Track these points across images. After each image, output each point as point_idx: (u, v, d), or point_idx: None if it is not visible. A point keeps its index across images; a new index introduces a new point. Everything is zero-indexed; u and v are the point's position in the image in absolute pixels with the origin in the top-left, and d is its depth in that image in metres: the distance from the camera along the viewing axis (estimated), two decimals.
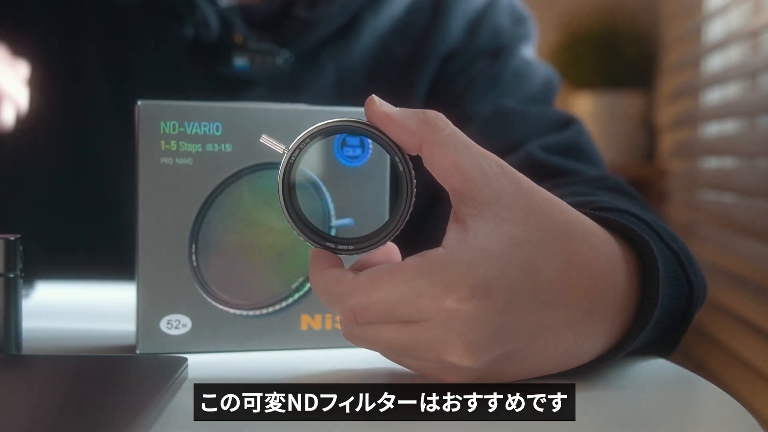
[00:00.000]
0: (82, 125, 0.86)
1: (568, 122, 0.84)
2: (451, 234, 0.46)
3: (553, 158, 0.77)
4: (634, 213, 0.57)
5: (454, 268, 0.45)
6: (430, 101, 0.88)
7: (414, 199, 0.49)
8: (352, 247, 0.49)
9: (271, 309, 0.58)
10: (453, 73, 0.88)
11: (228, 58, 0.82)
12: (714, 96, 1.81)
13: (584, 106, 2.27)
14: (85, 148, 0.86)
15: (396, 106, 0.47)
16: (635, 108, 2.24)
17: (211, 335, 0.57)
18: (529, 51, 0.93)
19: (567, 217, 0.49)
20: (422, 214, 0.74)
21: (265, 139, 0.50)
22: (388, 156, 0.59)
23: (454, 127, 0.48)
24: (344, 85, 0.86)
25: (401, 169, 0.49)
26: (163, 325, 0.56)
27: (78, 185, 0.86)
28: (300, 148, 0.49)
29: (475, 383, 0.47)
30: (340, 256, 0.49)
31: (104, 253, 0.84)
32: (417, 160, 0.49)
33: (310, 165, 0.56)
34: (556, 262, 0.47)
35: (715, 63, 1.81)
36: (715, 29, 1.80)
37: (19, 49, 0.80)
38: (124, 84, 0.84)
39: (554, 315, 0.47)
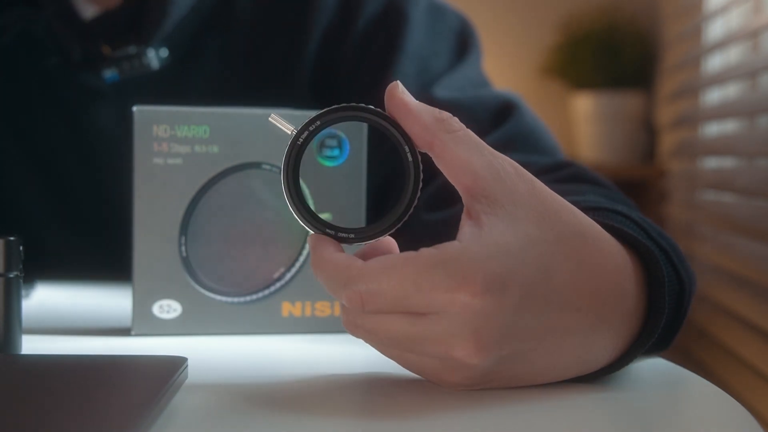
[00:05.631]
0: None
1: (506, 108, 0.79)
2: (466, 229, 0.45)
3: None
4: (621, 211, 0.57)
5: (470, 261, 0.44)
6: (323, 86, 0.83)
7: (419, 193, 0.48)
8: (352, 235, 0.48)
9: (254, 296, 0.62)
10: (347, 53, 0.82)
11: (98, 72, 0.80)
12: (714, 96, 1.81)
13: (584, 106, 2.27)
14: None
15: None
16: (635, 108, 2.24)
17: (200, 319, 0.61)
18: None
19: (579, 221, 0.48)
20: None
21: (274, 118, 0.50)
22: (365, 156, 0.61)
23: (468, 130, 0.48)
24: (228, 74, 0.83)
25: (410, 159, 0.48)
26: (155, 309, 0.61)
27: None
28: (308, 130, 0.48)
29: (476, 389, 0.46)
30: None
31: (101, 257, 0.84)
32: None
33: None
34: (569, 264, 0.46)
35: (715, 63, 1.81)
36: (715, 29, 1.81)
37: None
38: (15, 118, 0.83)
39: (564, 318, 0.46)
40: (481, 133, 0.75)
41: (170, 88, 0.81)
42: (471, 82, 0.82)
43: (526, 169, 0.72)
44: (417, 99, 0.48)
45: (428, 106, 0.48)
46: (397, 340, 0.46)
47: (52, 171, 0.85)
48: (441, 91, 0.79)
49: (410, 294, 0.44)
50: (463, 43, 0.84)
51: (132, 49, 0.80)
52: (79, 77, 0.82)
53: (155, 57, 0.80)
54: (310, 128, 0.48)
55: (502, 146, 0.74)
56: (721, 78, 1.69)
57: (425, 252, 0.44)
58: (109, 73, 0.80)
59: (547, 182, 0.69)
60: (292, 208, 0.48)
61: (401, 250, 0.49)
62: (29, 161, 0.84)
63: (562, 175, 0.71)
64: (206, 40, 0.83)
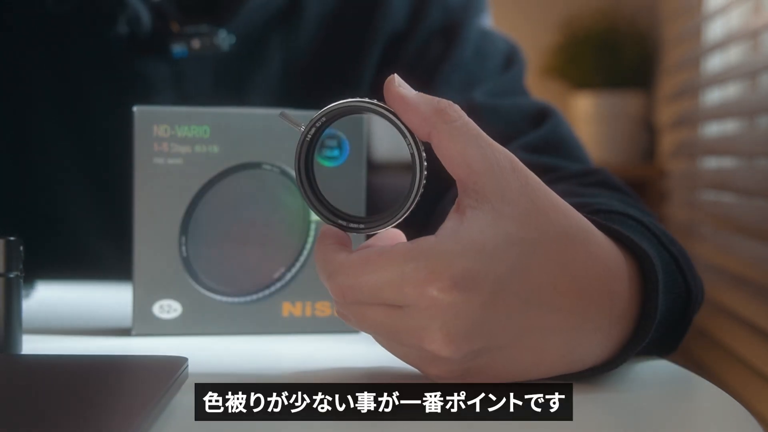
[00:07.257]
0: (24, 133, 0.84)
1: (543, 114, 0.81)
2: (448, 224, 0.46)
3: (536, 157, 0.74)
4: (633, 215, 0.57)
5: (441, 257, 0.45)
6: (379, 88, 0.86)
7: (424, 181, 0.48)
8: (362, 225, 0.50)
9: (254, 296, 0.62)
10: (405, 58, 0.85)
11: (166, 48, 0.80)
12: (714, 96, 1.81)
13: (584, 106, 2.27)
14: (28, 152, 0.84)
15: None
16: (635, 108, 2.24)
17: (200, 320, 0.61)
18: (484, 21, 0.89)
19: (570, 222, 0.48)
20: (435, 199, 0.73)
21: (285, 116, 0.51)
22: (365, 156, 0.62)
23: (466, 119, 0.48)
24: (291, 73, 0.84)
25: (411, 152, 0.48)
26: (156, 309, 0.61)
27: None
28: (315, 126, 0.50)
29: (460, 383, 0.46)
30: (350, 236, 0.50)
31: (101, 256, 0.84)
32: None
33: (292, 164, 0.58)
34: (549, 265, 0.46)
35: (715, 63, 1.81)
36: (715, 29, 1.80)
37: None
38: (68, 89, 0.83)
39: (543, 317, 0.46)
40: (517, 135, 0.77)
41: (230, 80, 0.82)
42: (510, 90, 0.84)
43: (555, 173, 0.73)
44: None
45: (427, 97, 0.48)
46: (378, 330, 0.48)
47: (100, 155, 0.84)
48: (480, 96, 0.81)
49: (383, 288, 0.45)
50: (508, 61, 0.87)
51: (204, 27, 0.80)
52: (142, 56, 0.81)
53: (226, 39, 0.80)
54: (317, 124, 0.50)
55: (536, 148, 0.76)
56: (721, 78, 1.69)
57: (400, 246, 0.46)
58: (178, 48, 0.80)
59: (573, 186, 0.69)
60: (306, 201, 0.50)
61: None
62: (77, 146, 0.83)
63: (588, 180, 0.72)
64: (272, 35, 0.83)
